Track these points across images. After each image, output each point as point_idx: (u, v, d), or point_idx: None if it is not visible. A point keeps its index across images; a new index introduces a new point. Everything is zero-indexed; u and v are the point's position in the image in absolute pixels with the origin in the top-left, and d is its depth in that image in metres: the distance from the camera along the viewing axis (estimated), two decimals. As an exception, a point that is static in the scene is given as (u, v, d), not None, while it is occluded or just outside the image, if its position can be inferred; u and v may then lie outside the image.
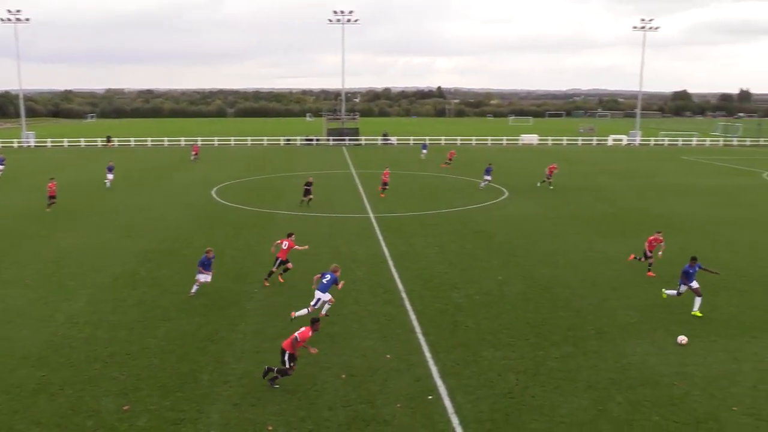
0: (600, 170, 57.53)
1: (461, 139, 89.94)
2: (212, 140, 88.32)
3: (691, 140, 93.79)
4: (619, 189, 45.43)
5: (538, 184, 45.82)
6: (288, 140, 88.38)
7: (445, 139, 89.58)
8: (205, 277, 20.21)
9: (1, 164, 50.68)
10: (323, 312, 18.21)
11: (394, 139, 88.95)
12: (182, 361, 15.47)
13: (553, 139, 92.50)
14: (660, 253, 23.78)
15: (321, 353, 15.96)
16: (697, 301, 19.17)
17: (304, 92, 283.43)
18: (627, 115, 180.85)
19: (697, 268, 19.37)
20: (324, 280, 17.99)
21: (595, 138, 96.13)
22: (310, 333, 14.07)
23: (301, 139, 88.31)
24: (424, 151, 67.21)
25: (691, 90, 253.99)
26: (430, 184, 46.91)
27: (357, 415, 13.01)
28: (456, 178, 50.76)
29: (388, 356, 15.78)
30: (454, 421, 12.86)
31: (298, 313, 17.79)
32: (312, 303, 17.99)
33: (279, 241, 21.75)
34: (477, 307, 19.61)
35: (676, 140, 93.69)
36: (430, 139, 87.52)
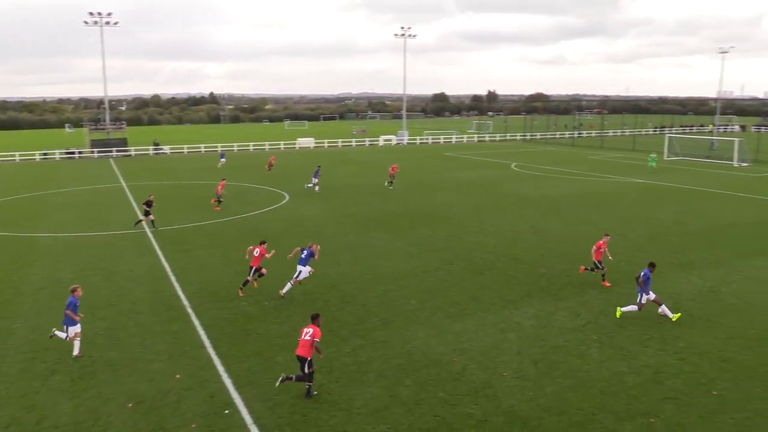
0: (374, 169, 60.49)
1: (238, 145, 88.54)
2: (-53, 159, 76.39)
3: (451, 138, 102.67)
4: (392, 186, 48.18)
5: (386, 184, 47.64)
6: (45, 154, 79.65)
7: (254, 145, 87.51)
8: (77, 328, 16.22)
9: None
10: (283, 291, 20.73)
11: (167, 148, 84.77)
12: (-72, 419, 13.24)
13: (329, 142, 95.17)
14: (610, 258, 22.77)
15: (102, 383, 14.75)
16: (664, 308, 18.63)
17: (61, 101, 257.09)
18: (394, 116, 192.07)
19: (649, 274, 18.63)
20: (303, 255, 20.84)
21: (367, 139, 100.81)
22: (318, 329, 14.10)
23: (61, 153, 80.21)
24: (222, 159, 65.46)
25: (448, 92, 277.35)
26: (211, 193, 45.49)
27: (148, 443, 12.26)
28: (238, 185, 49.89)
29: (178, 376, 15.07)
30: (254, 431, 12.71)
31: (284, 290, 20.74)
32: (294, 276, 20.86)
33: (251, 248, 21.53)
34: (267, 313, 19.56)
35: (439, 138, 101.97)
36: (205, 146, 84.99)
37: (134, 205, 40.42)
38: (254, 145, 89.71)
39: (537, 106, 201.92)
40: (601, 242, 22.20)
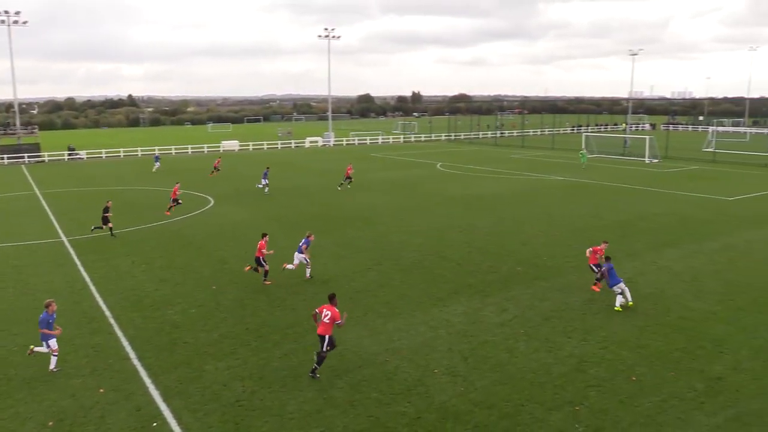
0: (300, 171, 60.13)
1: (159, 149, 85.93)
2: None
3: (377, 139, 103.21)
4: (319, 188, 48.02)
5: (338, 188, 46.88)
6: (-53, 162, 74.80)
7: (176, 149, 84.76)
8: (54, 344, 15.62)
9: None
10: (307, 275, 22.95)
11: (83, 153, 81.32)
12: None
13: (254, 144, 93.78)
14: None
15: (19, 402, 14.02)
16: (618, 297, 19.75)
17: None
18: (320, 118, 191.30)
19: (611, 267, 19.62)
20: (301, 244, 22.86)
21: (293, 141, 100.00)
22: (336, 308, 15.14)
23: (-35, 160, 75.52)
24: (157, 164, 63.23)
25: (373, 93, 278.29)
26: (132, 199, 44.01)
27: (72, 462, 11.74)
28: (161, 190, 48.45)
29: (102, 390, 14.51)
30: (183, 442, 12.40)
31: (288, 266, 22.91)
32: (295, 262, 22.90)
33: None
34: (194, 321, 19.09)
35: (365, 139, 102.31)
36: (125, 151, 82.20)
37: (50, 213, 38.57)
38: (176, 149, 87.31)
39: (460, 106, 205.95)
40: (599, 248, 21.89)
